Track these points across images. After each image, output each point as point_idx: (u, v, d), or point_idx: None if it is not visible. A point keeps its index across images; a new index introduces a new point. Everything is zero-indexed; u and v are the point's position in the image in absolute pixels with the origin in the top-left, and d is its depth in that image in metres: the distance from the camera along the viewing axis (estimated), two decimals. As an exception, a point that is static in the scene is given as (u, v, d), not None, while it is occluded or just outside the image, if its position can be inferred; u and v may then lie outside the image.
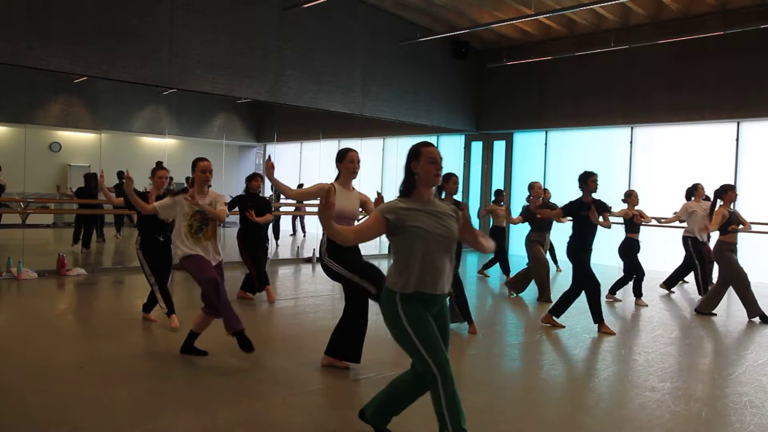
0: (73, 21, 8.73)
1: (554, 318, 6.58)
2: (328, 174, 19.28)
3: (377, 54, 12.29)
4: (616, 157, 12.56)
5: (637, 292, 8.16)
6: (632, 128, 12.43)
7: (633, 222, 8.05)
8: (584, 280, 6.34)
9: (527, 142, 14.19)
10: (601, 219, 6.34)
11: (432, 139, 15.71)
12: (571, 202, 6.48)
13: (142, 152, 18.35)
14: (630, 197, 8.18)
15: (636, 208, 8.18)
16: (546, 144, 13.77)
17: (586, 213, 6.28)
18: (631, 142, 12.45)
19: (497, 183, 14.36)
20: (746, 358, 5.71)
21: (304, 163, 18.39)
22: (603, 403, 4.48)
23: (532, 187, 8.31)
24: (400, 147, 16.44)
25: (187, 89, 10.20)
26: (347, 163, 4.77)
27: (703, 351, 6.07)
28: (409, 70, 12.85)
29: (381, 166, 16.83)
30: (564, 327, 6.50)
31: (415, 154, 3.15)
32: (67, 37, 8.68)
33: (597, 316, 6.42)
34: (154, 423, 3.70)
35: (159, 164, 6.42)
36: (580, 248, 6.37)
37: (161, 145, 17.94)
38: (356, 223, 4.68)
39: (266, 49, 10.69)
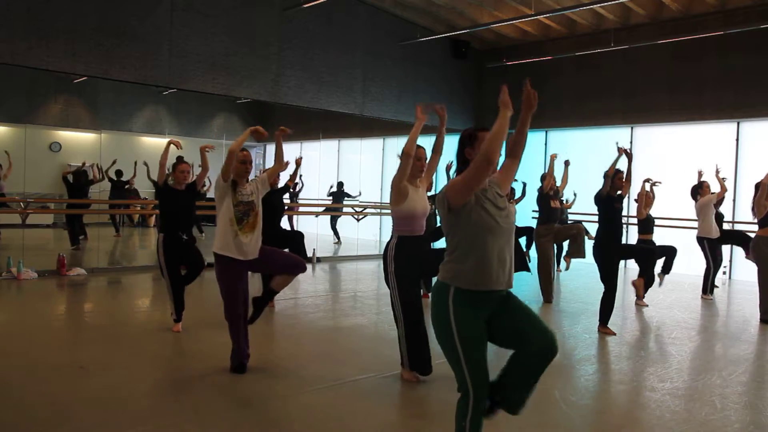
0: (73, 21, 8.73)
1: (605, 326, 6.41)
2: (328, 174, 19.25)
3: (377, 54, 12.29)
4: (615, 157, 12.55)
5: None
6: (632, 128, 12.42)
7: (647, 222, 7.92)
8: (608, 281, 6.28)
9: (527, 142, 14.13)
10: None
11: (432, 139, 15.72)
12: (603, 194, 6.41)
13: (142, 152, 18.32)
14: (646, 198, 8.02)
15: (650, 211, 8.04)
16: (546, 144, 13.76)
17: (619, 206, 6.29)
18: (631, 142, 12.44)
19: (497, 183, 14.36)
20: (746, 359, 5.71)
21: (304, 163, 18.37)
22: (602, 403, 4.47)
23: (544, 177, 8.26)
24: (400, 147, 16.40)
25: (187, 89, 10.20)
26: (415, 161, 4.58)
27: (703, 351, 6.07)
28: (409, 70, 12.85)
29: (381, 166, 16.82)
30: (615, 334, 6.33)
31: (469, 138, 2.84)
32: (67, 37, 8.68)
33: (604, 319, 6.41)
34: (155, 423, 3.70)
35: (180, 159, 6.35)
36: (611, 246, 6.26)
37: (161, 145, 17.85)
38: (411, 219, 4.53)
39: (266, 49, 10.69)
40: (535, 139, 13.97)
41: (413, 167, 4.54)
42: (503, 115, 2.71)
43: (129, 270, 10.19)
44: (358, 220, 13.83)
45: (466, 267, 2.70)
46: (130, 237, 15.45)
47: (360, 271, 11.28)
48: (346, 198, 15.17)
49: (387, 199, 15.80)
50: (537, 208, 8.54)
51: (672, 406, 4.31)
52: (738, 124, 11.09)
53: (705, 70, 11.05)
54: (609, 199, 6.38)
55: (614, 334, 6.32)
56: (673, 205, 10.36)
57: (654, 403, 4.36)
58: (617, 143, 6.83)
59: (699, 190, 8.67)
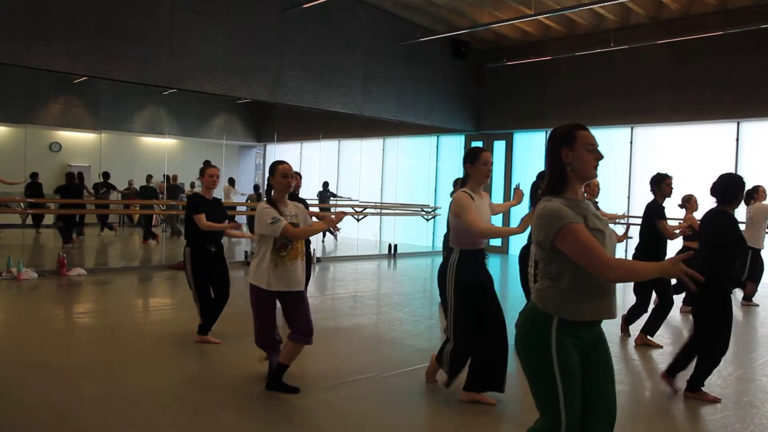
0: (73, 21, 8.73)
1: (649, 337, 6.03)
2: (328, 174, 19.19)
3: (377, 54, 12.29)
4: (616, 157, 12.57)
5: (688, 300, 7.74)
6: (632, 128, 12.42)
7: (693, 229, 7.52)
8: (642, 295, 5.94)
9: (527, 142, 14.18)
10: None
11: (432, 139, 15.77)
12: (656, 207, 5.78)
13: (142, 152, 18.37)
14: (689, 202, 7.29)
15: (695, 214, 7.30)
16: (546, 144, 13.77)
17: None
18: (631, 142, 12.45)
19: (498, 183, 14.37)
20: (746, 359, 5.71)
21: (304, 163, 18.40)
22: (603, 403, 4.47)
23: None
24: (400, 147, 16.46)
25: (187, 89, 10.20)
26: (480, 165, 4.12)
27: (703, 351, 6.06)
28: (409, 70, 12.85)
29: (381, 166, 16.83)
30: (662, 347, 5.98)
31: (566, 138, 2.46)
32: (67, 37, 8.68)
33: (626, 323, 6.23)
34: (155, 423, 3.70)
35: (207, 163, 5.80)
36: (651, 258, 5.56)
37: (161, 145, 17.94)
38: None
39: (266, 49, 10.69)
40: (535, 140, 13.98)
41: (479, 172, 4.14)
42: (662, 269, 2.40)
43: (129, 270, 10.18)
44: (358, 220, 13.82)
45: (573, 295, 2.38)
46: (131, 237, 15.45)
47: (360, 271, 11.28)
48: (331, 198, 15.16)
49: (387, 200, 15.90)
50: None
51: (672, 406, 4.31)
52: (738, 124, 11.09)
53: (705, 70, 11.05)
54: (657, 210, 5.80)
55: (629, 335, 6.15)
56: (674, 206, 10.32)
57: (654, 403, 4.35)
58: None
59: (754, 195, 7.99)
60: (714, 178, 4.69)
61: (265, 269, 4.06)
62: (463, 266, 4.09)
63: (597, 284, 2.38)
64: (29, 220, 12.71)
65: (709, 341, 4.34)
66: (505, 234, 4.20)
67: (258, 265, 4.11)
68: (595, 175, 2.49)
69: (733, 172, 4.53)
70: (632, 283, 6.02)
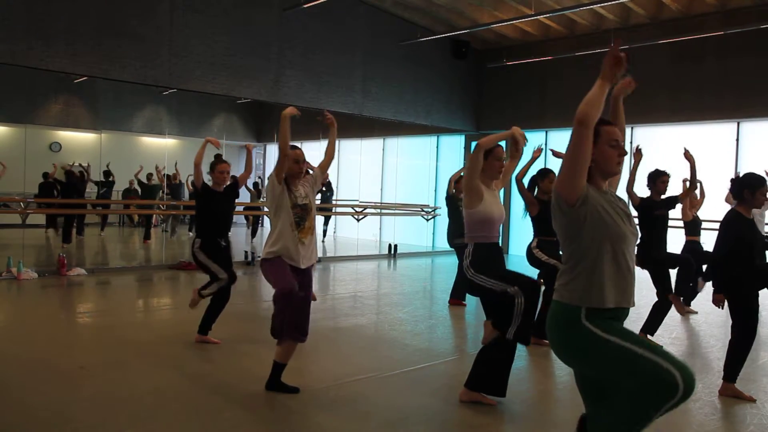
0: (73, 21, 8.73)
1: (649, 336, 5.91)
2: (330, 173, 19.07)
3: (377, 54, 12.29)
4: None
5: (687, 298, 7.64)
6: (632, 128, 12.42)
7: (693, 224, 7.51)
8: (668, 282, 5.85)
9: (527, 142, 14.17)
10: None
11: (432, 139, 15.76)
12: (644, 200, 5.89)
13: (142, 152, 18.35)
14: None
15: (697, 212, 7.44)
16: (546, 144, 13.75)
17: (661, 212, 5.81)
18: (631, 142, 12.43)
19: (497, 183, 14.35)
20: (747, 359, 5.70)
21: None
22: (603, 403, 4.47)
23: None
24: (400, 147, 16.46)
25: (187, 89, 10.20)
26: (494, 160, 4.06)
27: (703, 351, 6.07)
28: (409, 70, 12.85)
29: (381, 166, 16.82)
30: (661, 347, 5.90)
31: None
32: (67, 37, 8.68)
33: (689, 294, 6.14)
34: (154, 423, 3.70)
35: (218, 157, 5.85)
36: (651, 252, 5.76)
37: (161, 145, 17.94)
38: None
39: (266, 49, 10.69)
40: (535, 140, 13.95)
41: (491, 168, 4.06)
42: (600, 85, 2.31)
43: (129, 270, 10.18)
44: (358, 220, 13.83)
45: (595, 281, 2.37)
46: (131, 237, 15.46)
47: (360, 271, 11.28)
48: (333, 197, 15.19)
49: (387, 200, 15.90)
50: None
51: (672, 406, 4.30)
52: (738, 124, 11.10)
53: (705, 70, 11.05)
54: (648, 205, 5.88)
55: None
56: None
57: (654, 403, 4.35)
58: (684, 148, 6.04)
59: None
60: (714, 179, 4.78)
61: (280, 247, 4.09)
62: (477, 259, 3.99)
63: (621, 268, 2.39)
64: (31, 220, 12.68)
65: (753, 331, 4.47)
66: (499, 137, 4.08)
67: (272, 245, 4.12)
68: (619, 171, 2.48)
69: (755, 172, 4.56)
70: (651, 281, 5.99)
